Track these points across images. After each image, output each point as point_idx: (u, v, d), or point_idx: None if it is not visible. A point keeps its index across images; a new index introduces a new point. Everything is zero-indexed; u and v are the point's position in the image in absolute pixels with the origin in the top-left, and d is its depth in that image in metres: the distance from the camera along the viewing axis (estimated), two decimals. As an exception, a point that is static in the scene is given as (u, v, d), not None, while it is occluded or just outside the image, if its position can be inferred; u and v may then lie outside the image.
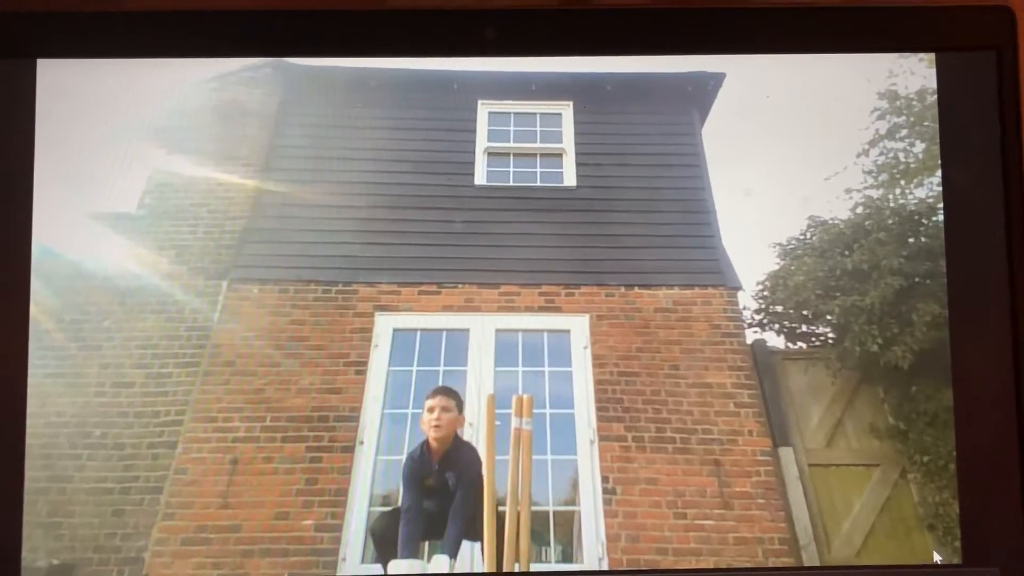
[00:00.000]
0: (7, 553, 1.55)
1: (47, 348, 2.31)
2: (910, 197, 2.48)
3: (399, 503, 2.28)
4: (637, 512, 2.31)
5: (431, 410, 2.16)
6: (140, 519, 2.22)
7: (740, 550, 2.23)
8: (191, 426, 2.39)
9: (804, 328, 2.64)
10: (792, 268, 2.63)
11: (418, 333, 2.60)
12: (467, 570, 2.14)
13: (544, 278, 2.68)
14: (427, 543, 2.16)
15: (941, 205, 1.67)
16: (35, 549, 2.08)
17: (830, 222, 2.57)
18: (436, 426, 2.14)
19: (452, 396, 2.19)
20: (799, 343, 2.65)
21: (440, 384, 2.35)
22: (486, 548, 2.03)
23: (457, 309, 2.51)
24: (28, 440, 1.59)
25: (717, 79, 2.76)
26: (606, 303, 2.66)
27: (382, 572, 2.18)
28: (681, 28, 1.65)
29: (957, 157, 1.64)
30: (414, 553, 2.10)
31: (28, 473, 1.59)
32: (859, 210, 2.53)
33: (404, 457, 2.23)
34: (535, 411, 2.20)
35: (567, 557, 2.31)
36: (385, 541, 2.14)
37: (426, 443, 2.17)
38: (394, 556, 2.14)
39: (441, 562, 2.08)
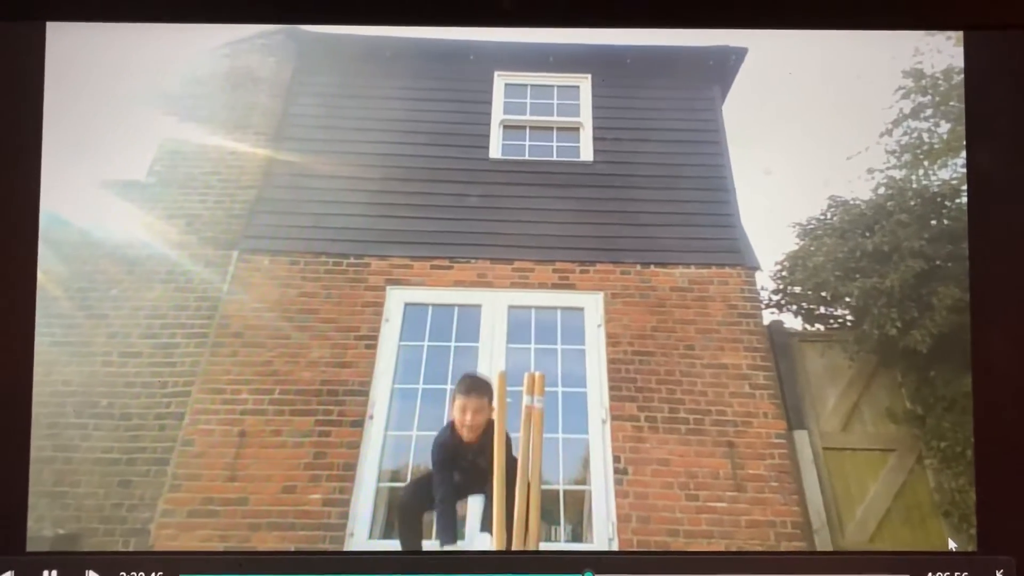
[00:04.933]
0: (13, 522, 1.54)
1: (54, 316, 2.32)
2: (933, 178, 2.48)
3: (408, 478, 2.28)
4: (648, 493, 2.31)
5: (463, 411, 2.11)
6: (146, 490, 2.22)
7: (752, 533, 2.23)
8: (199, 397, 2.38)
9: (822, 310, 2.64)
10: (812, 249, 2.62)
11: (430, 308, 2.59)
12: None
13: (559, 255, 2.68)
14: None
15: (965, 187, 1.64)
16: (41, 519, 2.11)
17: (851, 202, 2.57)
18: (471, 427, 2.10)
19: (484, 394, 2.12)
20: (817, 325, 2.65)
21: (467, 374, 2.27)
22: (495, 525, 2.02)
23: (469, 284, 2.49)
24: (34, 409, 1.57)
25: (739, 54, 2.74)
26: (621, 281, 2.65)
27: (395, 547, 2.16)
28: (704, 0, 1.61)
29: (983, 138, 1.60)
30: (451, 540, 2.07)
31: (34, 442, 1.57)
32: (881, 191, 2.53)
33: (432, 443, 2.15)
34: (547, 389, 2.18)
35: (577, 536, 2.31)
36: (412, 515, 2.10)
37: (458, 434, 2.11)
38: (420, 534, 2.11)
39: (484, 540, 2.05)
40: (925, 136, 2.47)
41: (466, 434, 2.10)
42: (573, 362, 2.53)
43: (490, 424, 2.11)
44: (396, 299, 2.61)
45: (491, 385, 2.16)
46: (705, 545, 2.22)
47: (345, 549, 2.20)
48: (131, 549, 2.14)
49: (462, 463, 2.11)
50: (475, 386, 2.13)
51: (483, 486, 2.09)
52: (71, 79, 1.80)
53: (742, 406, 2.42)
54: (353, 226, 2.69)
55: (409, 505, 2.13)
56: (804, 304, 2.65)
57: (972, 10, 1.60)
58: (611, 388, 2.48)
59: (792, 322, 2.64)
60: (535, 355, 2.51)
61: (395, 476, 2.34)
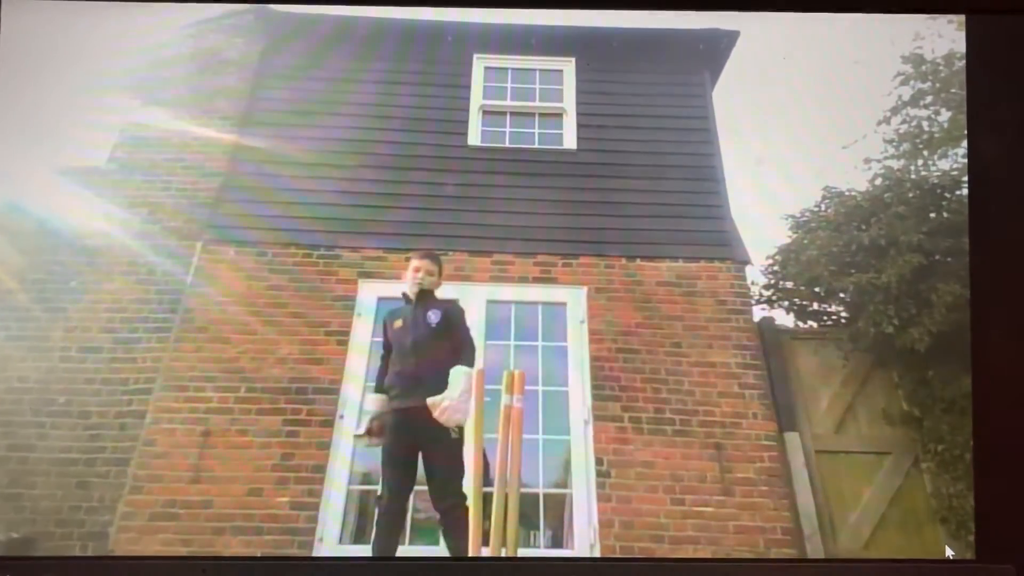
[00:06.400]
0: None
1: (9, 309, 2.29)
2: (933, 169, 2.44)
3: (380, 481, 2.24)
4: (632, 497, 2.28)
5: (416, 271, 2.25)
6: (106, 492, 2.19)
7: (740, 539, 2.20)
8: (161, 395, 2.34)
9: (816, 306, 2.63)
10: (805, 242, 2.60)
11: (404, 302, 2.55)
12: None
13: (540, 247, 2.66)
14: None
15: (966, 178, 1.61)
16: (-7, 522, 2.04)
17: (847, 194, 2.56)
18: (418, 283, 2.23)
19: (436, 263, 2.28)
20: (810, 322, 2.64)
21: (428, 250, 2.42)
22: (471, 531, 1.97)
23: (446, 278, 2.45)
24: (-13, 406, 1.52)
25: (730, 37, 2.74)
26: (605, 275, 2.63)
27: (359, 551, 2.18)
28: (694, -20, 1.56)
29: (985, 127, 1.55)
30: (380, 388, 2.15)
31: (-14, 441, 1.51)
32: (878, 181, 2.49)
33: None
34: (527, 388, 2.14)
35: (557, 542, 2.28)
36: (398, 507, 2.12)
37: (404, 295, 2.26)
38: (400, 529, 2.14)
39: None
40: (925, 124, 2.47)
41: (409, 289, 2.26)
42: (554, 360, 2.52)
43: (429, 291, 2.27)
44: (369, 293, 2.59)
45: (441, 262, 2.34)
46: (691, 552, 2.18)
47: (314, 555, 2.16)
48: (89, 554, 2.09)
49: (403, 320, 2.23)
50: (430, 255, 2.34)
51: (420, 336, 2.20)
52: (27, 59, 1.77)
53: (731, 406, 2.39)
54: (324, 216, 2.67)
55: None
56: (796, 300, 2.63)
57: (975, -8, 1.55)
58: (594, 387, 2.46)
59: (784, 319, 2.63)
60: (515, 352, 2.50)
61: (366, 479, 2.30)
